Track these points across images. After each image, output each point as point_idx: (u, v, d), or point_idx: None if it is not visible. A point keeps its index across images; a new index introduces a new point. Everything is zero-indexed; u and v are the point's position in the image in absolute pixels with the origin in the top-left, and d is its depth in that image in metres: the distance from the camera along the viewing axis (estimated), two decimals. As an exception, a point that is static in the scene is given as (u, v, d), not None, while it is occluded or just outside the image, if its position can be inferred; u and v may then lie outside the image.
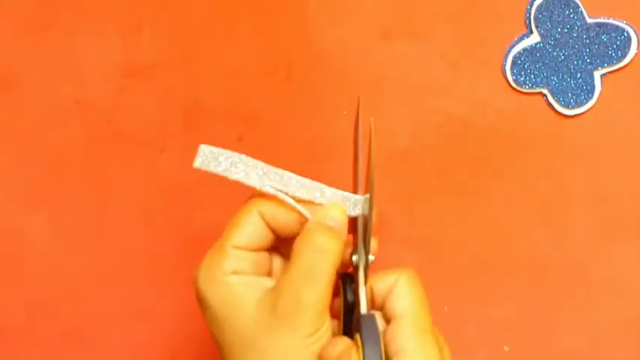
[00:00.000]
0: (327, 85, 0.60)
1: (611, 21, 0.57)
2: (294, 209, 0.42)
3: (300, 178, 0.43)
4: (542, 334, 0.58)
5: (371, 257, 0.43)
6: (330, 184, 0.44)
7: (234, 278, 0.40)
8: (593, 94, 0.57)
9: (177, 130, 0.60)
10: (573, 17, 0.57)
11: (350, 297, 0.43)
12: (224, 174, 0.42)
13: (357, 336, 0.40)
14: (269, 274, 0.44)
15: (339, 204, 0.43)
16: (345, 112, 0.59)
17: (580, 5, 0.57)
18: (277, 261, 0.45)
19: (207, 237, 0.58)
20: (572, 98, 0.58)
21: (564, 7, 0.57)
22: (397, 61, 0.59)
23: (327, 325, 0.40)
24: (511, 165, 0.59)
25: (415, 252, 0.59)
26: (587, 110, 0.58)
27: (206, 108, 0.60)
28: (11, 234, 0.60)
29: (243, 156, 0.43)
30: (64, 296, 0.60)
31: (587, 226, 0.58)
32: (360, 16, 0.59)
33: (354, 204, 0.43)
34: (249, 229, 0.42)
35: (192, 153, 0.60)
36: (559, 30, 0.57)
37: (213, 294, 0.40)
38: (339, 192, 0.43)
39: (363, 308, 0.42)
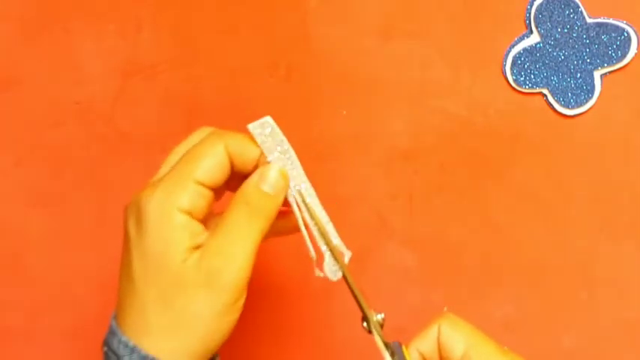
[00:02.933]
0: (327, 85, 0.60)
1: (611, 21, 0.57)
2: (255, 146, 0.41)
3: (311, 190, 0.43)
4: (542, 334, 0.58)
5: (380, 316, 0.42)
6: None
7: (183, 220, 0.39)
8: (593, 94, 0.57)
9: (178, 130, 0.60)
10: (573, 17, 0.57)
11: None
12: (262, 145, 0.42)
13: None
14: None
15: (283, 171, 0.42)
16: (345, 112, 0.59)
17: (580, 5, 0.57)
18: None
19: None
20: (572, 98, 0.58)
21: (564, 7, 0.57)
22: (397, 61, 0.59)
23: (244, 300, 0.40)
24: (511, 165, 0.59)
25: (415, 252, 0.59)
26: (587, 110, 0.58)
27: (206, 108, 0.60)
28: (11, 234, 0.60)
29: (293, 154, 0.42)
30: (64, 296, 0.60)
31: (587, 226, 0.58)
32: (360, 16, 0.59)
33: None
34: (213, 162, 0.40)
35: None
36: (559, 30, 0.57)
37: (155, 226, 0.39)
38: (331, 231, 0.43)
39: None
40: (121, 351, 0.39)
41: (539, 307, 0.58)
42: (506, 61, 0.58)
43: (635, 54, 0.57)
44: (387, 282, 0.59)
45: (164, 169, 0.42)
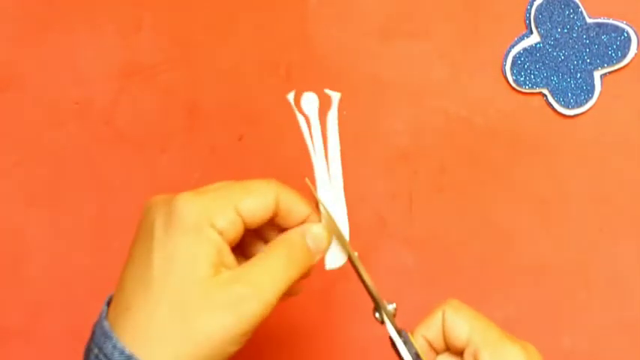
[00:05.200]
0: (327, 85, 0.60)
1: (611, 21, 0.57)
2: (308, 207, 0.42)
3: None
4: (542, 334, 0.58)
5: (392, 306, 0.42)
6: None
7: (215, 236, 0.39)
8: (593, 94, 0.57)
9: (178, 130, 0.60)
10: (573, 17, 0.57)
11: (409, 358, 0.42)
12: (311, 120, 0.43)
13: None
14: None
15: (328, 232, 0.43)
16: (345, 113, 0.59)
17: (580, 5, 0.57)
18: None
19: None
20: (572, 98, 0.58)
21: (564, 7, 0.57)
22: (397, 61, 0.59)
23: (250, 337, 0.39)
24: (511, 165, 0.59)
25: (415, 252, 0.59)
26: (587, 110, 0.58)
27: (206, 108, 0.60)
28: (11, 234, 0.60)
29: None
30: (64, 296, 0.60)
31: (587, 226, 0.58)
32: (359, 16, 0.59)
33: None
34: (260, 202, 0.40)
35: (193, 153, 0.60)
36: (559, 30, 0.57)
37: (189, 233, 0.38)
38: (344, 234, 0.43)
39: (407, 357, 0.41)
40: (116, 357, 0.37)
41: (539, 307, 0.58)
42: (506, 61, 0.58)
43: (635, 54, 0.57)
44: (387, 282, 0.59)
45: (210, 187, 0.42)
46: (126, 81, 0.60)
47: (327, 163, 0.43)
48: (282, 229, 0.42)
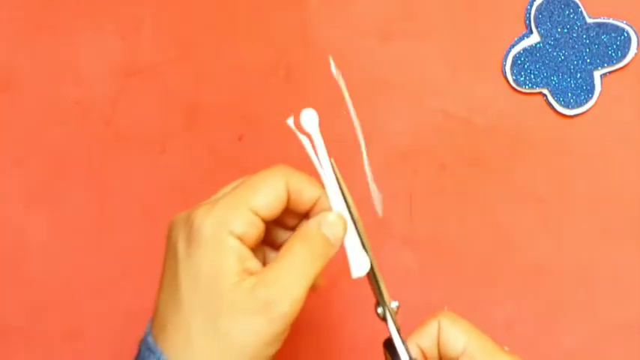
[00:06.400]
0: (327, 85, 0.60)
1: (611, 21, 0.57)
2: (318, 188, 0.42)
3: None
4: (542, 334, 0.58)
5: (394, 304, 0.43)
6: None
7: (234, 243, 0.39)
8: (593, 94, 0.57)
9: (178, 130, 0.60)
10: (573, 17, 0.57)
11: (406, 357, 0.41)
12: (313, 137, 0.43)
13: None
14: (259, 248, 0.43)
15: (343, 218, 0.42)
16: (345, 113, 0.59)
17: (580, 5, 0.57)
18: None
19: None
20: (572, 98, 0.58)
21: (564, 7, 0.57)
22: (397, 61, 0.59)
23: (288, 333, 0.40)
24: (511, 165, 0.59)
25: (415, 252, 0.59)
26: (587, 110, 0.58)
27: (206, 108, 0.60)
28: (11, 234, 0.60)
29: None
30: (64, 296, 0.60)
31: (587, 226, 0.58)
32: (360, 16, 0.59)
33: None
34: (271, 195, 0.41)
35: (193, 153, 0.60)
36: (559, 30, 0.57)
37: (208, 247, 0.39)
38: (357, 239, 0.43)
39: (404, 356, 0.41)
40: None
41: (539, 307, 0.58)
42: (506, 61, 0.58)
43: (635, 54, 0.57)
44: (387, 282, 0.59)
45: (224, 190, 0.42)
46: (126, 81, 0.60)
47: (337, 178, 0.43)
48: (296, 213, 0.42)
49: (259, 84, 0.60)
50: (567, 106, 0.58)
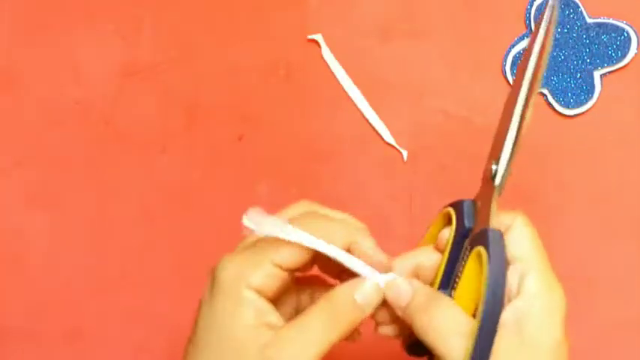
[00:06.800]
0: (327, 85, 0.60)
1: (611, 21, 0.57)
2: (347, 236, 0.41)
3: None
4: (542, 334, 0.58)
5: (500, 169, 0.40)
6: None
7: (250, 296, 0.39)
8: (593, 94, 0.57)
9: (178, 130, 0.60)
10: (573, 17, 0.57)
11: (468, 222, 0.39)
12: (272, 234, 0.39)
13: (481, 248, 0.37)
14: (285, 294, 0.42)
15: (379, 286, 0.40)
16: (345, 113, 0.59)
17: (580, 5, 0.57)
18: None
19: (207, 237, 0.58)
20: (572, 98, 0.58)
21: (564, 7, 0.57)
22: (397, 61, 0.59)
23: None
24: (511, 165, 0.58)
25: (415, 252, 0.59)
26: (587, 110, 0.58)
27: (206, 108, 0.60)
28: (11, 234, 0.60)
29: (290, 227, 0.39)
30: (64, 296, 0.60)
31: (588, 225, 0.58)
32: (360, 16, 0.59)
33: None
34: (294, 248, 0.39)
35: (193, 153, 0.60)
36: (559, 30, 0.57)
37: (223, 297, 0.39)
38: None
39: (495, 219, 0.38)
40: None
41: (539, 307, 0.58)
42: (506, 61, 0.58)
43: (635, 54, 0.57)
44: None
45: (249, 241, 0.42)
46: (126, 81, 0.60)
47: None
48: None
49: (259, 84, 0.60)
50: (567, 106, 0.58)
